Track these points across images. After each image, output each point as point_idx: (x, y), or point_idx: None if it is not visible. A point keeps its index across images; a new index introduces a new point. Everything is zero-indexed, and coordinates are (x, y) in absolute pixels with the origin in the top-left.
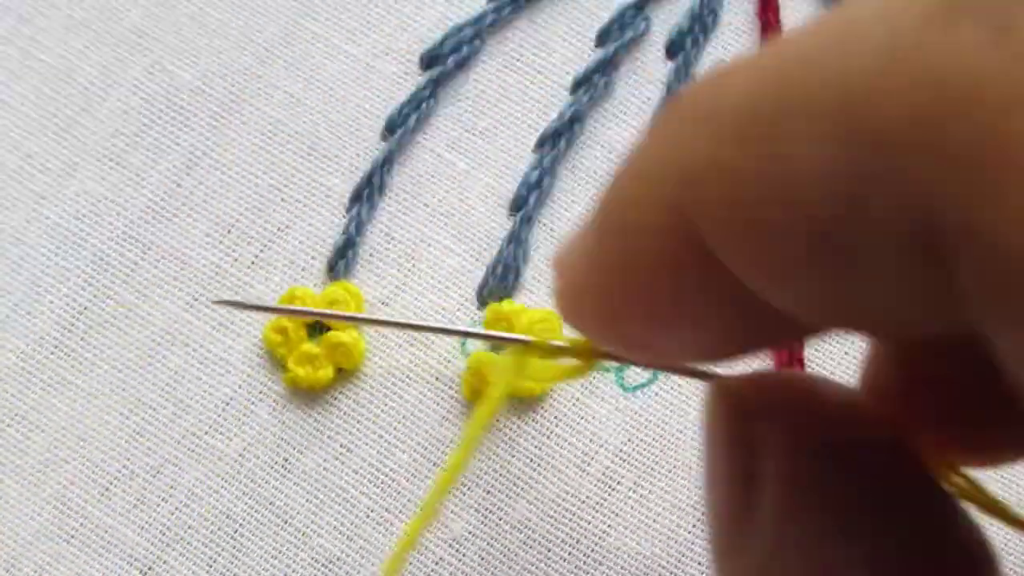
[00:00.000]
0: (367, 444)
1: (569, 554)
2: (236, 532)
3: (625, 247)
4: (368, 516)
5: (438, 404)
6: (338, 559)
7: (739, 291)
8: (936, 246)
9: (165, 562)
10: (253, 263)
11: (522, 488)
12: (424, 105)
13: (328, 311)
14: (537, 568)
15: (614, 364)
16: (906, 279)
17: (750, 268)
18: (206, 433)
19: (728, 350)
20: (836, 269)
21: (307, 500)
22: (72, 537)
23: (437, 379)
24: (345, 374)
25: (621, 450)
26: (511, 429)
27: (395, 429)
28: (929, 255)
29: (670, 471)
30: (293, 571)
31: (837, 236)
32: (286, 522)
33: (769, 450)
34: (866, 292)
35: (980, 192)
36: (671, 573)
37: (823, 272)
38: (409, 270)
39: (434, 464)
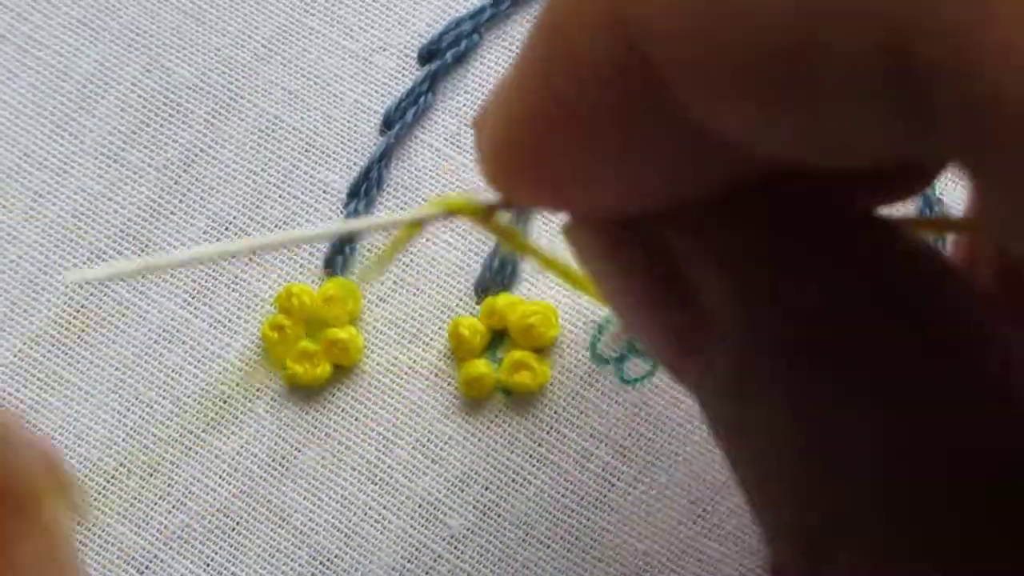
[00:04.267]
0: (365, 441)
1: (568, 551)
2: (233, 530)
3: (559, 79)
4: (366, 514)
5: (436, 401)
6: (336, 557)
7: (688, 121)
8: (907, 77)
9: (162, 560)
10: (250, 260)
11: (521, 484)
12: (422, 99)
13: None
14: (536, 565)
15: (612, 356)
16: (871, 110)
17: (701, 91)
18: (203, 431)
19: (675, 191)
20: (795, 95)
21: (305, 498)
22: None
23: (435, 375)
24: (343, 371)
25: (621, 445)
26: (510, 424)
27: (393, 426)
28: (897, 87)
29: (670, 466)
30: (291, 569)
31: (797, 61)
32: (284, 520)
33: (701, 256)
34: (828, 121)
35: (960, 21)
36: (671, 570)
37: (780, 97)
38: (407, 266)
39: (432, 461)
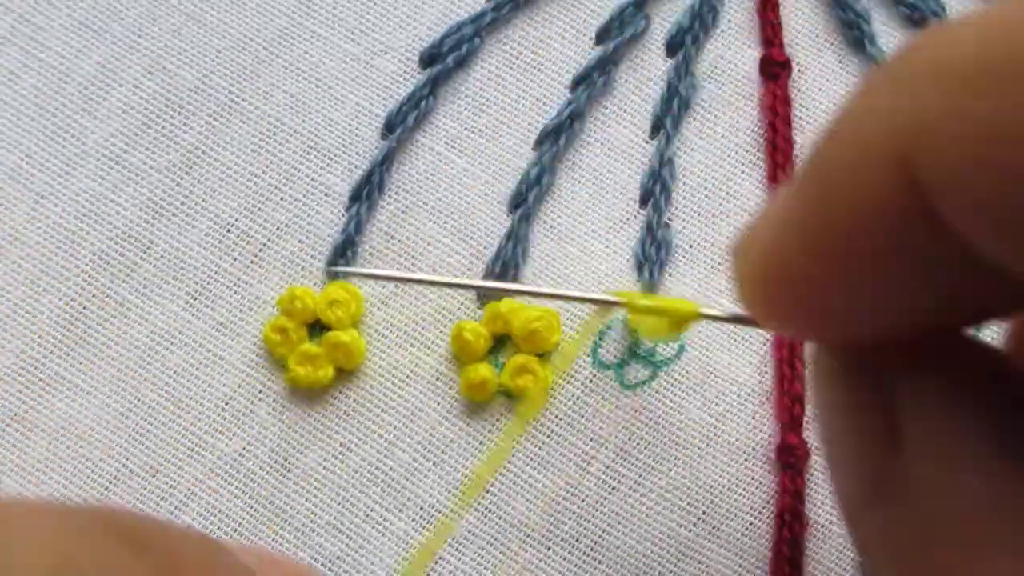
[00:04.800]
0: (366, 443)
1: (569, 553)
2: (235, 531)
3: (835, 214)
4: (368, 515)
5: (437, 404)
6: (338, 558)
7: (962, 256)
8: None
9: None
10: (252, 262)
11: (522, 487)
12: (423, 103)
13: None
14: (536, 567)
15: (612, 362)
16: None
17: (986, 227)
18: (205, 432)
19: (935, 323)
20: None
21: (306, 499)
22: None
23: (437, 379)
24: (345, 374)
25: (622, 449)
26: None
27: (394, 428)
28: None
29: (671, 470)
30: None
31: None
32: (285, 521)
33: (916, 406)
34: None
35: None
36: (671, 572)
37: None
38: (409, 269)
39: (434, 463)
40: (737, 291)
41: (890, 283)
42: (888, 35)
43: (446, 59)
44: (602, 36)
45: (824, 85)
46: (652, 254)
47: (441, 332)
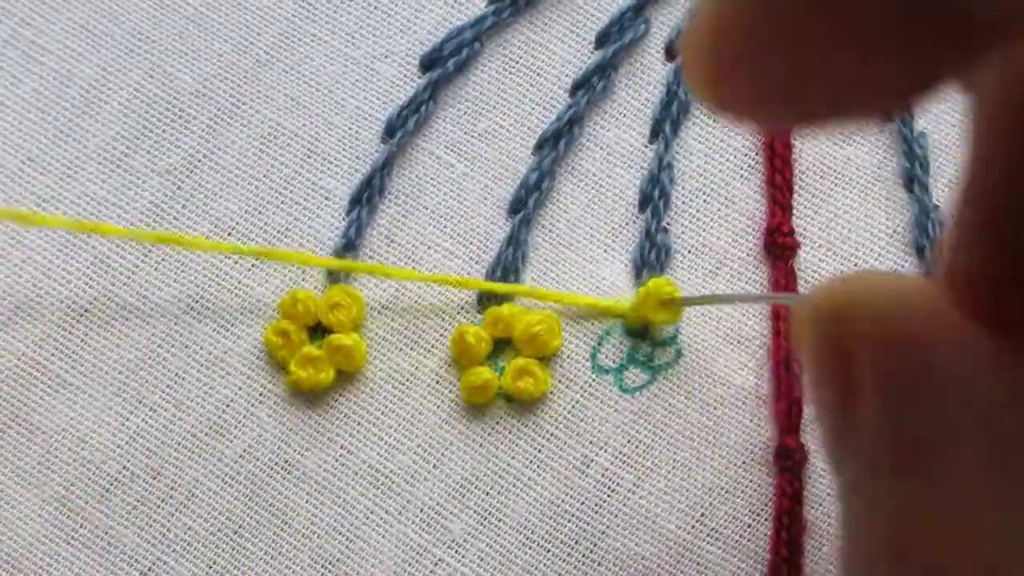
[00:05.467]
0: (367, 446)
1: (568, 555)
2: (236, 533)
3: None
4: (368, 518)
5: (438, 407)
6: (338, 560)
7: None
8: None
9: (165, 563)
10: (253, 266)
11: (522, 489)
12: (423, 107)
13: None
14: (536, 569)
15: (611, 366)
16: None
17: None
18: (206, 434)
19: (887, 92)
20: None
21: (307, 501)
22: (72, 538)
23: (437, 382)
24: (346, 376)
25: (620, 452)
26: (511, 430)
27: (395, 431)
28: None
29: (669, 472)
30: (293, 572)
31: None
32: (286, 523)
33: (864, 362)
34: None
35: None
36: (670, 575)
37: None
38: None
39: (434, 466)
40: (687, 79)
41: (839, 35)
42: None
43: (446, 63)
44: (602, 40)
45: None
46: (651, 259)
47: (441, 336)
